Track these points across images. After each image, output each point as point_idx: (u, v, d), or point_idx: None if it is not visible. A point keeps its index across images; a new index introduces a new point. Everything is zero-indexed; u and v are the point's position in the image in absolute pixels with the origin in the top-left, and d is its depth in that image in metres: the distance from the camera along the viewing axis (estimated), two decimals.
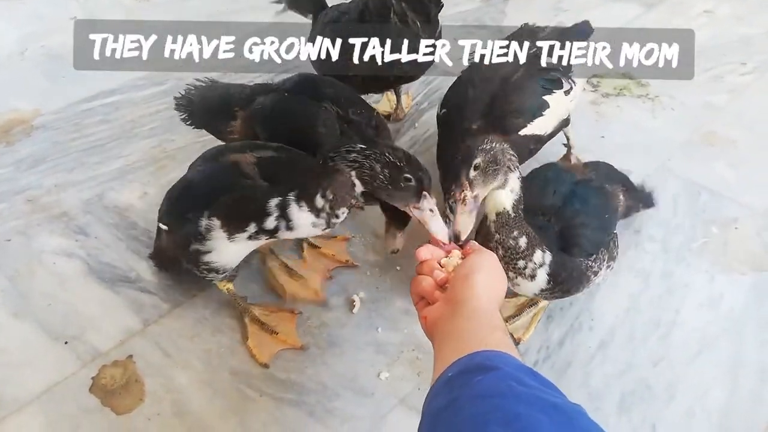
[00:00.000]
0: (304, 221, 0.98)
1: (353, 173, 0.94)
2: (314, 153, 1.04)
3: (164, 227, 1.13)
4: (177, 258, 1.13)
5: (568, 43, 1.31)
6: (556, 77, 1.29)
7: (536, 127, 1.25)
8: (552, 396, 0.60)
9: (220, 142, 1.26)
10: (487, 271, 0.80)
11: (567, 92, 1.30)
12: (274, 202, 0.97)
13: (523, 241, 0.96)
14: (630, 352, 1.15)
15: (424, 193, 0.92)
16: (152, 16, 2.17)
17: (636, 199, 1.29)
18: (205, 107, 1.33)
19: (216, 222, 1.00)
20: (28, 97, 1.78)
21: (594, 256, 1.05)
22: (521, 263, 0.98)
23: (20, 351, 1.16)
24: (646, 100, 1.76)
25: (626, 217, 1.28)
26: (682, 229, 1.37)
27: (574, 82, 1.33)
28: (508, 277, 0.99)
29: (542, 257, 0.98)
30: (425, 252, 0.86)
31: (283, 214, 0.97)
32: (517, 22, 1.50)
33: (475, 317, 0.74)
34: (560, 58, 1.30)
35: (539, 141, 1.29)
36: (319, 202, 0.96)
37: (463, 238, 0.89)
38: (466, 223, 0.90)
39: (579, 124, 1.59)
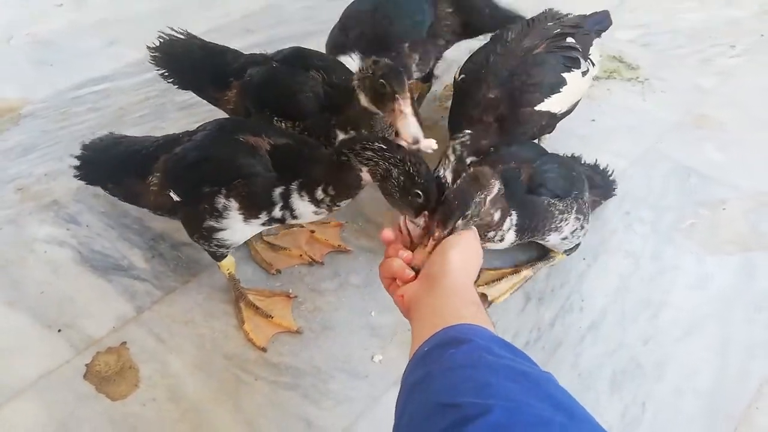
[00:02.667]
0: (305, 209, 1.01)
1: (366, 169, 0.94)
2: (299, 119, 1.10)
3: (175, 197, 1.08)
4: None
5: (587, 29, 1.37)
6: (575, 56, 1.31)
7: (552, 103, 1.26)
8: (522, 365, 0.62)
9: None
10: (463, 248, 0.83)
11: (584, 73, 1.32)
12: (278, 191, 1.00)
13: (497, 216, 1.00)
14: (620, 332, 1.16)
15: (424, 213, 0.91)
16: (140, 2, 2.15)
17: (597, 194, 1.32)
18: (195, 69, 1.32)
19: (234, 203, 1.02)
20: (15, 86, 1.77)
21: (558, 198, 1.10)
22: (491, 233, 1.03)
23: (14, 339, 1.16)
24: (636, 83, 1.76)
25: (591, 210, 1.30)
26: (672, 211, 1.39)
27: (592, 63, 1.35)
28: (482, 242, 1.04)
29: (510, 222, 1.03)
30: (389, 234, 0.90)
31: (287, 204, 1.01)
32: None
33: (451, 293, 0.77)
34: (580, 38, 1.34)
35: (552, 118, 1.30)
36: (319, 194, 0.99)
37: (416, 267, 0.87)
38: (423, 261, 0.86)
39: None
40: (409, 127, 1.00)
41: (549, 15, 1.39)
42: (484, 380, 0.58)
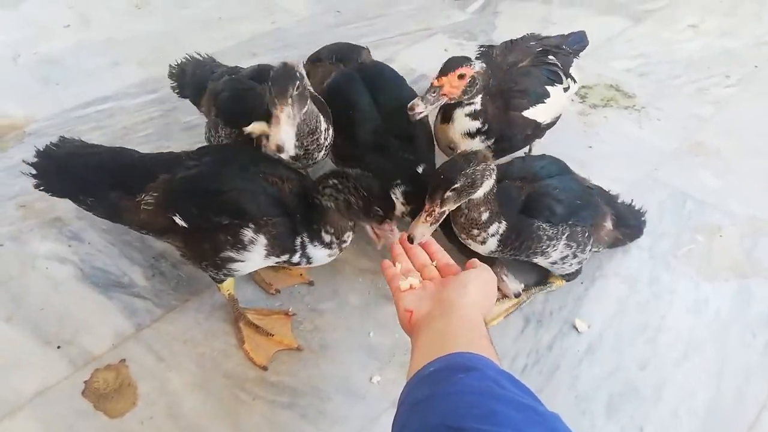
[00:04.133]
0: (321, 255, 1.08)
1: (332, 206, 1.02)
2: (247, 122, 1.15)
3: (181, 223, 1.05)
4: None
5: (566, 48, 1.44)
6: (557, 72, 1.37)
7: (537, 112, 1.32)
8: (529, 401, 0.63)
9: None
10: (481, 286, 0.85)
11: (565, 89, 1.39)
12: (299, 240, 1.05)
13: (485, 216, 1.05)
14: (617, 356, 1.17)
15: (386, 220, 1.04)
16: (146, 23, 2.18)
17: (625, 233, 1.29)
18: (192, 82, 1.43)
19: (262, 239, 1.03)
20: (21, 104, 1.79)
21: (551, 224, 1.10)
22: (476, 231, 1.07)
23: (12, 355, 1.16)
24: (633, 111, 1.80)
25: (612, 247, 1.30)
26: (668, 237, 1.40)
27: (574, 81, 1.42)
28: (462, 239, 1.11)
29: (497, 228, 1.07)
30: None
31: (304, 253, 1.06)
32: (507, 34, 1.54)
33: (465, 321, 0.78)
34: (562, 58, 1.41)
35: (536, 128, 1.35)
36: (326, 237, 1.06)
37: (416, 243, 0.99)
38: (424, 233, 0.99)
39: (566, 133, 1.63)
40: (278, 135, 0.98)
41: (530, 36, 1.46)
42: (491, 408, 0.58)
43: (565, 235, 1.12)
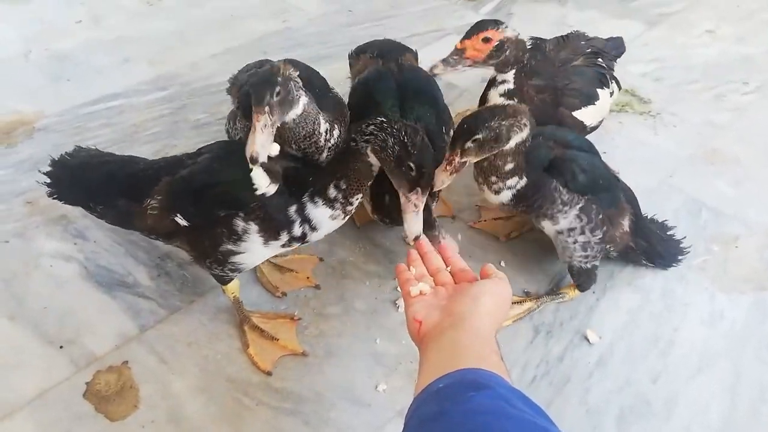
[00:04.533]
0: (322, 216, 1.02)
1: (368, 147, 0.97)
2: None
3: (183, 222, 1.05)
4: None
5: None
6: (605, 74, 1.36)
7: (587, 114, 1.30)
8: (542, 422, 0.60)
9: None
10: (495, 299, 0.82)
11: (611, 94, 1.37)
12: (293, 209, 1.01)
13: (509, 167, 1.04)
14: (629, 369, 1.14)
15: (417, 189, 0.96)
16: (157, 21, 2.18)
17: (640, 246, 1.24)
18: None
19: (253, 226, 1.01)
20: (31, 100, 1.78)
21: (567, 190, 1.08)
22: (494, 179, 1.06)
23: (14, 354, 1.15)
24: (648, 117, 1.76)
25: (623, 256, 1.25)
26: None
27: (618, 87, 1.40)
28: (477, 181, 1.11)
29: (515, 182, 1.07)
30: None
31: (304, 218, 1.01)
32: (521, 36, 1.51)
33: (477, 336, 0.75)
34: (607, 61, 1.40)
35: (582, 130, 1.31)
36: (332, 192, 1.00)
37: (436, 188, 1.00)
38: (443, 180, 1.00)
39: None
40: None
41: (578, 35, 1.44)
42: (503, 429, 0.56)
43: (579, 205, 1.10)
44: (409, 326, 0.83)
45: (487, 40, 1.16)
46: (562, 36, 1.43)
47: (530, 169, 1.07)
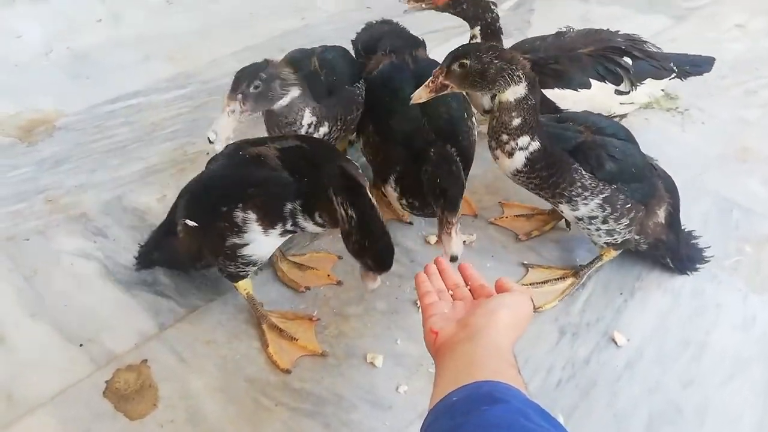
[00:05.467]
0: (309, 227, 1.04)
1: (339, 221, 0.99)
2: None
3: (192, 223, 1.06)
4: (186, 257, 1.14)
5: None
6: (617, 72, 1.32)
7: (560, 95, 1.30)
8: None
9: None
10: (513, 312, 0.80)
11: (619, 92, 1.33)
12: (288, 207, 1.00)
13: (516, 122, 1.03)
14: (659, 373, 1.10)
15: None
16: (177, 18, 2.18)
17: (671, 241, 1.20)
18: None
19: (252, 215, 1.00)
20: (51, 98, 1.79)
21: (591, 176, 1.06)
22: (505, 137, 1.05)
23: (35, 351, 1.15)
24: (676, 114, 1.72)
25: (651, 247, 1.21)
26: (714, 247, 1.32)
27: (634, 88, 1.35)
28: (491, 146, 1.09)
29: (527, 143, 1.04)
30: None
31: (295, 222, 1.02)
32: (542, 31, 1.48)
33: (494, 348, 0.74)
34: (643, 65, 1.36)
35: (556, 112, 1.30)
36: (318, 219, 1.01)
37: (413, 102, 1.05)
38: (421, 95, 1.03)
39: None
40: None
41: (626, 36, 1.41)
42: None
43: (604, 195, 1.07)
44: (426, 338, 0.82)
45: None
46: (595, 29, 1.42)
47: (549, 142, 1.06)
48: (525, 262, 1.30)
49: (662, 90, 1.41)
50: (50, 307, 1.22)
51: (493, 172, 1.47)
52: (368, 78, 1.33)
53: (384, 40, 1.43)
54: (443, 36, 2.00)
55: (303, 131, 1.17)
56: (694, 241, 1.28)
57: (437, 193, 1.03)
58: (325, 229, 1.03)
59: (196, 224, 1.06)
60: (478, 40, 1.36)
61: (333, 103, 1.22)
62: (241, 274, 1.12)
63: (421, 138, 1.15)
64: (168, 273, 1.28)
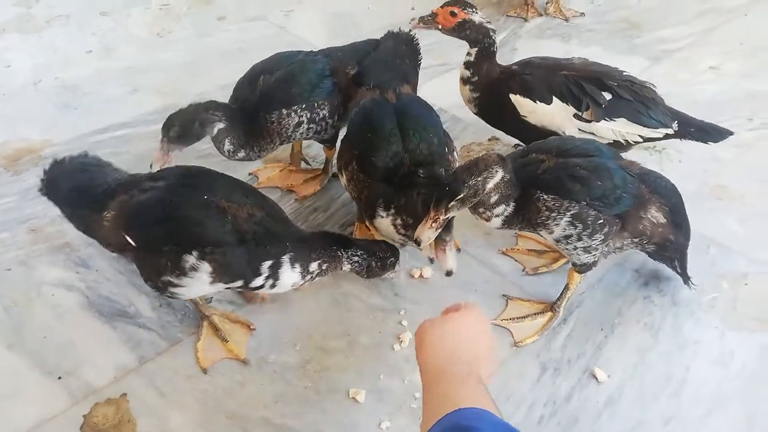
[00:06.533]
0: (289, 281, 1.09)
1: (349, 268, 1.17)
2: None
3: (131, 241, 1.08)
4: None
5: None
6: (581, 98, 1.38)
7: (521, 102, 1.41)
8: None
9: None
10: (438, 331, 0.84)
11: (579, 116, 1.38)
12: (267, 264, 1.06)
13: (494, 199, 1.10)
14: (639, 409, 1.11)
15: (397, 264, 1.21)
16: (167, 52, 2.20)
17: (678, 239, 1.21)
18: None
19: (206, 266, 1.03)
20: (39, 127, 1.80)
21: (552, 197, 1.10)
22: (482, 209, 1.12)
23: (11, 384, 1.13)
24: (654, 152, 1.76)
25: (659, 248, 1.21)
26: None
27: (597, 120, 1.39)
28: (470, 211, 1.13)
29: (503, 210, 1.12)
30: None
31: (273, 274, 1.07)
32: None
33: (442, 379, 0.76)
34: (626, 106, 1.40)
35: (513, 112, 1.41)
36: (314, 267, 1.11)
37: (422, 246, 1.11)
38: (429, 236, 1.09)
39: None
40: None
41: (626, 75, 1.46)
42: None
43: (571, 212, 1.10)
44: None
45: (453, 14, 1.40)
46: (601, 63, 1.48)
47: (517, 191, 1.11)
48: (504, 294, 1.31)
49: (640, 136, 1.42)
50: (29, 338, 1.21)
51: None
52: (351, 115, 1.37)
53: (371, 75, 1.46)
54: (429, 74, 2.05)
55: (226, 155, 1.36)
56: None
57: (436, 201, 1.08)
58: (304, 280, 1.12)
59: (132, 243, 1.08)
60: (471, 58, 1.45)
61: (248, 131, 1.35)
62: (170, 299, 1.16)
63: (403, 174, 1.19)
64: (150, 305, 1.27)
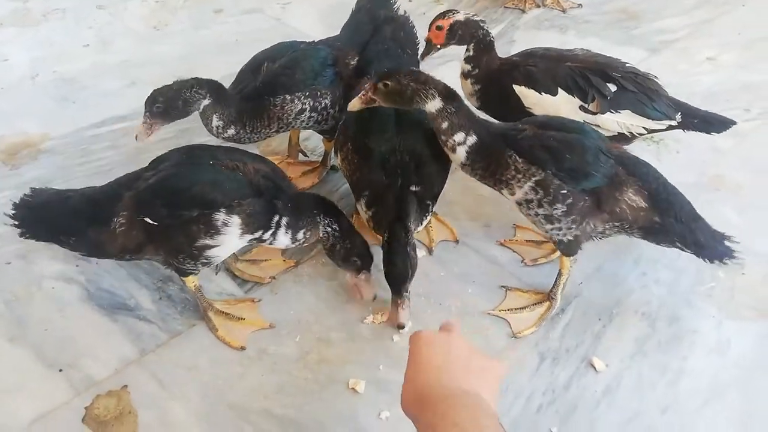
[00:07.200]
0: (283, 241, 1.16)
1: (321, 233, 1.19)
2: None
3: (152, 222, 1.09)
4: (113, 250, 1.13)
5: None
6: (586, 89, 1.36)
7: (524, 92, 1.40)
8: None
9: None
10: (415, 358, 0.85)
11: (584, 108, 1.37)
12: (275, 219, 1.12)
13: (444, 125, 1.16)
14: (637, 398, 1.12)
15: (364, 271, 1.21)
16: (164, 45, 2.20)
17: (669, 224, 1.18)
18: None
19: (237, 219, 1.07)
20: (37, 121, 1.79)
21: (522, 160, 1.13)
22: (443, 138, 1.18)
23: (13, 377, 1.14)
24: (651, 143, 1.76)
25: (653, 237, 1.20)
26: (688, 273, 1.36)
27: (602, 111, 1.38)
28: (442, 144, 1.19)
29: (463, 138, 1.16)
30: None
31: (276, 231, 1.14)
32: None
33: (421, 421, 0.76)
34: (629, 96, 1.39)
35: (517, 102, 1.40)
36: (300, 236, 1.17)
37: (349, 109, 1.24)
38: (354, 105, 1.22)
39: None
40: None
41: (629, 66, 1.45)
42: None
43: (535, 178, 1.12)
44: None
45: (439, 28, 1.42)
46: (605, 55, 1.48)
47: (490, 139, 1.16)
48: (503, 285, 1.32)
49: (645, 128, 1.42)
50: (30, 331, 1.21)
51: (474, 198, 1.50)
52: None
53: (374, 65, 1.46)
54: (427, 66, 2.04)
55: (214, 132, 1.35)
56: (712, 229, 1.25)
57: (386, 278, 1.17)
58: (295, 244, 1.18)
59: (155, 222, 1.09)
60: (471, 53, 1.45)
61: (243, 109, 1.34)
62: (195, 272, 1.17)
63: (396, 159, 1.23)
64: (151, 298, 1.28)
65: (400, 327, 1.19)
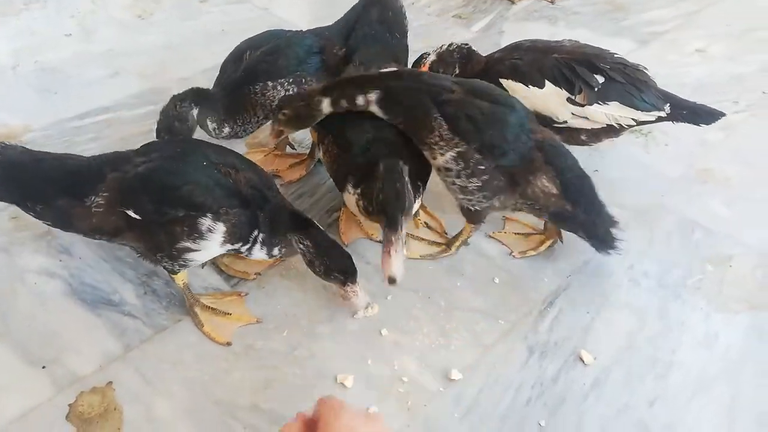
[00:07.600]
0: (257, 257, 1.16)
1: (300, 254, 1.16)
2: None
3: (136, 216, 1.06)
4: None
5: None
6: (573, 81, 1.36)
7: (510, 85, 1.39)
8: None
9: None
10: None
11: (572, 100, 1.36)
12: (254, 234, 1.11)
13: (345, 105, 1.22)
14: (626, 391, 1.12)
15: (348, 284, 1.16)
16: (148, 35, 2.16)
17: (576, 215, 1.21)
18: None
19: (221, 227, 1.06)
20: (18, 112, 1.76)
21: (447, 128, 1.15)
22: (357, 109, 1.22)
23: None
24: (640, 135, 1.76)
25: (560, 221, 1.26)
26: (677, 266, 1.36)
27: (590, 103, 1.37)
28: None
29: (364, 100, 1.20)
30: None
31: (250, 249, 1.13)
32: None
33: None
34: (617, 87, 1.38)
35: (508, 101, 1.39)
36: (275, 252, 1.16)
37: (267, 145, 1.41)
38: (269, 141, 1.36)
39: None
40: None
41: (617, 57, 1.44)
42: None
43: (458, 149, 1.14)
44: None
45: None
46: (592, 45, 1.46)
47: (396, 83, 1.19)
48: (496, 279, 1.32)
49: (633, 120, 1.41)
50: (12, 327, 1.19)
51: None
52: None
53: (359, 52, 1.44)
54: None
55: (213, 135, 1.36)
56: (612, 221, 1.26)
57: (379, 210, 1.09)
58: (270, 258, 1.18)
59: (138, 216, 1.06)
60: (457, 71, 1.46)
61: (227, 104, 1.34)
62: (176, 270, 1.15)
63: (376, 150, 1.20)
64: (135, 293, 1.26)
65: (392, 281, 1.06)
